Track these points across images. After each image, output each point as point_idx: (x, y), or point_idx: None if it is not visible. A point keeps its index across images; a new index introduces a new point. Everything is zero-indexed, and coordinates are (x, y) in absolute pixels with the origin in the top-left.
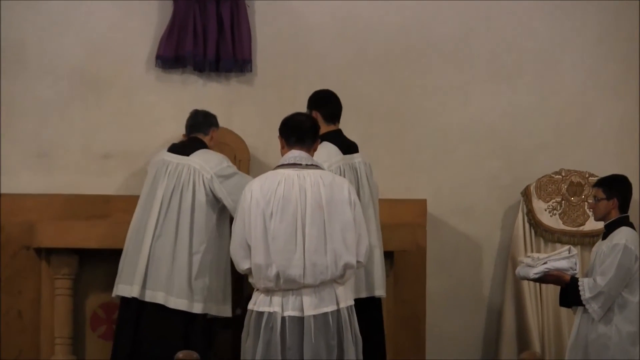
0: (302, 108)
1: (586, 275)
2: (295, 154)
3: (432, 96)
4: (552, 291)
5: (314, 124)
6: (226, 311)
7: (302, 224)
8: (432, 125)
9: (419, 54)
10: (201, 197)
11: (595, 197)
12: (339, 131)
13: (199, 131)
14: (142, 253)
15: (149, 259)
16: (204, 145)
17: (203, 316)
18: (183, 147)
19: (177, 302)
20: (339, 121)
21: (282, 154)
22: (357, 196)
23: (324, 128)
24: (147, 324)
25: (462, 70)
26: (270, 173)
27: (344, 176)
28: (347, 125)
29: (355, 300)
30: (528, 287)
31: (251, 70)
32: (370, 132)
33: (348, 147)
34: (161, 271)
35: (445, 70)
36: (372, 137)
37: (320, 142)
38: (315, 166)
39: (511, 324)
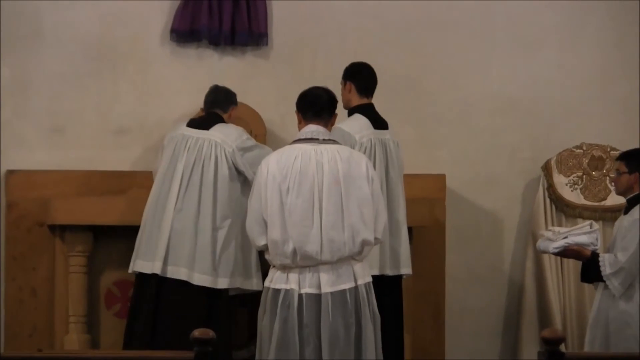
0: (320, 82)
1: (608, 251)
2: (313, 129)
3: (452, 68)
4: (573, 267)
5: (331, 98)
6: (255, 284)
7: (319, 199)
8: (451, 98)
9: (440, 25)
10: (224, 170)
11: (617, 170)
12: (372, 105)
13: (219, 107)
14: (163, 228)
15: (170, 234)
16: (222, 121)
17: (226, 292)
18: (202, 122)
19: (200, 278)
20: (372, 95)
21: (299, 129)
22: (386, 173)
23: (357, 100)
24: (169, 301)
25: (482, 42)
26: (287, 148)
27: (374, 151)
28: None
29: (378, 277)
30: (549, 263)
31: (267, 44)
32: (388, 104)
33: (380, 122)
34: (184, 246)
35: (466, 41)
36: (390, 110)
37: (353, 114)
38: (333, 141)
39: (532, 300)
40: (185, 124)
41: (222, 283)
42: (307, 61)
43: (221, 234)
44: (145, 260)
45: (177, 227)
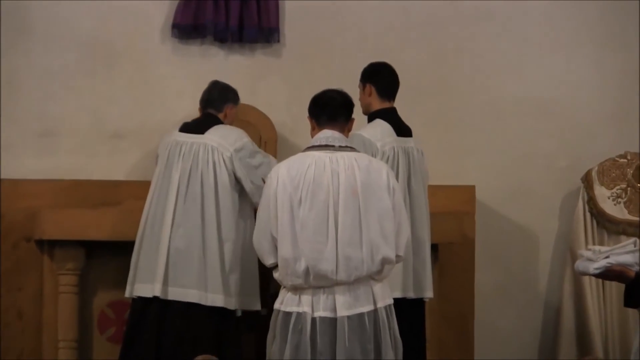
0: (337, 82)
1: None
2: (328, 134)
3: (481, 68)
4: (616, 289)
5: (347, 100)
6: (257, 304)
7: (334, 212)
8: (481, 101)
9: (467, 20)
10: (224, 177)
11: None
12: (394, 110)
13: (212, 107)
14: (161, 246)
15: (170, 252)
16: (218, 122)
17: (234, 313)
18: (196, 125)
19: (214, 299)
20: (394, 98)
21: (313, 136)
22: (409, 185)
23: (377, 104)
24: (175, 325)
25: (516, 40)
26: (299, 155)
27: (397, 160)
28: None
29: (400, 300)
30: (589, 284)
31: (279, 40)
32: (411, 108)
33: (403, 129)
34: (191, 265)
35: (497, 39)
36: (414, 115)
37: (373, 119)
38: (350, 148)
39: (570, 324)
40: (178, 128)
41: (234, 303)
42: (322, 60)
43: (227, 249)
44: (144, 283)
45: (179, 245)
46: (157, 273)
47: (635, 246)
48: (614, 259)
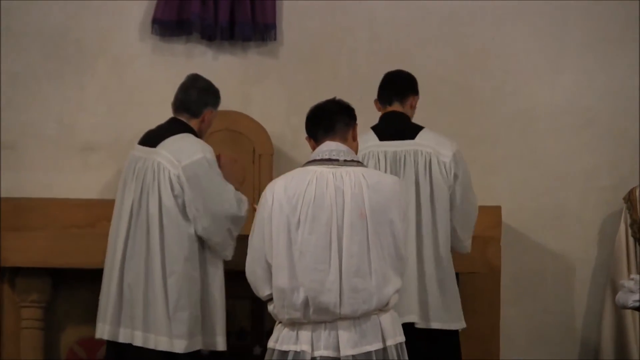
0: (343, 87)
1: None
2: (331, 147)
3: (511, 73)
4: None
5: (343, 107)
6: (219, 344)
7: (338, 236)
8: (511, 111)
9: (496, 19)
10: (168, 200)
11: None
12: (391, 113)
13: (187, 111)
14: (112, 282)
15: (121, 289)
16: (184, 130)
17: (194, 354)
18: (155, 135)
19: (157, 341)
20: (396, 100)
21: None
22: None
23: (382, 113)
24: None
25: (551, 41)
26: (297, 171)
27: (375, 165)
28: None
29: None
30: (633, 319)
31: (275, 38)
32: (429, 117)
33: (397, 130)
34: (137, 303)
35: (530, 40)
36: (431, 124)
37: None
38: (357, 162)
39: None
40: (139, 139)
41: (179, 346)
42: (327, 61)
43: (171, 282)
44: (101, 322)
45: (129, 279)
46: (107, 312)
47: None
48: None
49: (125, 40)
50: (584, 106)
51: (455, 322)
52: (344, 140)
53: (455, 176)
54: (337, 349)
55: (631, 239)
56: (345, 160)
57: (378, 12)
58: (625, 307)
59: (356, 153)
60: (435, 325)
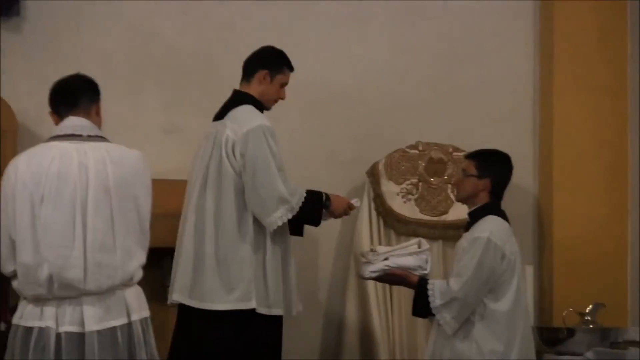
0: (92, 62)
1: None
2: (74, 122)
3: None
4: (406, 296)
5: (87, 82)
6: None
7: (82, 212)
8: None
9: None
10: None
11: (464, 171)
12: (233, 92)
13: None
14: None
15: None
16: None
17: None
18: None
19: None
20: (244, 78)
21: None
22: (206, 174)
23: None
24: None
25: (295, 14)
26: (40, 146)
27: (200, 148)
28: None
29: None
30: (375, 291)
31: (19, 14)
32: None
33: (220, 113)
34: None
35: (269, 11)
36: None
37: None
38: (101, 137)
39: (354, 337)
40: None
41: None
42: (70, 37)
43: None
44: None
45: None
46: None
47: (419, 247)
48: (393, 262)
49: None
50: (328, 81)
51: (230, 302)
52: (87, 115)
53: (242, 155)
54: (82, 324)
55: (374, 212)
56: (89, 136)
57: None
58: (363, 278)
59: (99, 128)
60: (193, 303)
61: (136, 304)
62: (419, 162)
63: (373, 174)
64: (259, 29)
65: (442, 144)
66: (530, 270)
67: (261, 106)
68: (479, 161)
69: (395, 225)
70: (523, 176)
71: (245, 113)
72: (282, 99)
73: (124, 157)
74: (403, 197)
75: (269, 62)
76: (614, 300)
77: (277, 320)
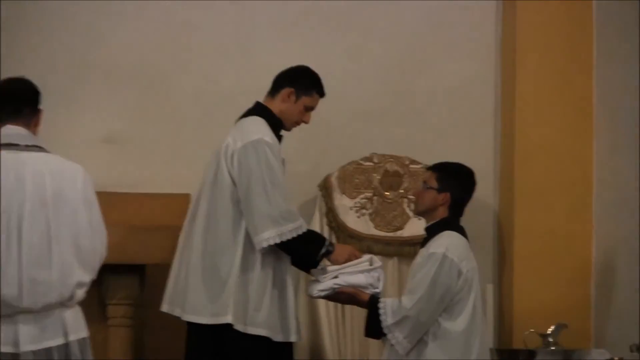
0: (31, 67)
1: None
2: (11, 131)
3: (194, 51)
4: (359, 315)
5: (32, 90)
6: None
7: (17, 225)
8: (196, 91)
9: None
10: None
11: (424, 182)
12: (255, 103)
13: None
14: None
15: None
16: None
17: None
18: None
19: None
20: (270, 92)
21: None
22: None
23: None
24: None
25: (240, 20)
26: None
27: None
28: None
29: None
30: (327, 311)
31: None
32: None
33: (241, 116)
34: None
35: (217, 17)
36: (112, 104)
37: None
38: (39, 147)
39: (304, 358)
40: None
41: None
42: (9, 37)
43: None
44: None
45: None
46: None
47: (370, 264)
48: (343, 280)
49: None
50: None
51: (207, 316)
52: (26, 125)
53: (239, 167)
54: (17, 344)
55: (326, 227)
56: (27, 145)
57: None
58: (312, 297)
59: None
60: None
61: (74, 324)
62: (374, 174)
63: (325, 187)
64: (205, 34)
65: (398, 155)
66: (490, 289)
67: (278, 124)
68: (441, 174)
69: (348, 241)
70: (483, 190)
71: (251, 125)
72: (306, 122)
73: (63, 169)
74: (357, 211)
75: (298, 81)
76: (577, 321)
77: (262, 343)
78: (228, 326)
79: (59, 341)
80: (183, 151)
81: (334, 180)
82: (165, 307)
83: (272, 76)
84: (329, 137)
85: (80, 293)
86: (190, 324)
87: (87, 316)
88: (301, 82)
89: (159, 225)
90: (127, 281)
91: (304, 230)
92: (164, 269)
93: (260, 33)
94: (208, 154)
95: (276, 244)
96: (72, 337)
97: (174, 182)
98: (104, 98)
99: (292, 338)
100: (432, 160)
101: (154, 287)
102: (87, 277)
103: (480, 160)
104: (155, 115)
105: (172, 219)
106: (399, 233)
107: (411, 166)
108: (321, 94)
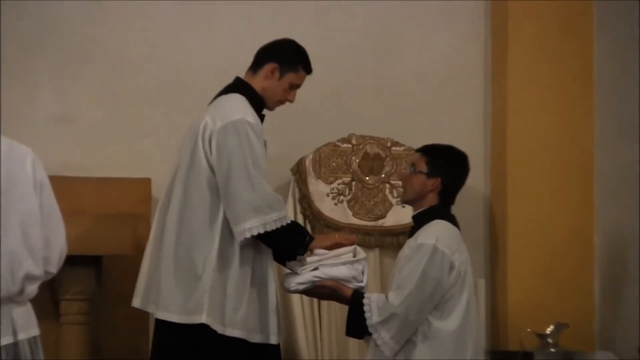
0: None
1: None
2: None
3: (162, 31)
4: (337, 312)
5: None
6: None
7: None
8: (163, 72)
9: None
10: None
11: (413, 165)
12: (234, 79)
13: None
14: None
15: None
16: None
17: None
18: None
19: None
20: (252, 68)
21: None
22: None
23: None
24: None
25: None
26: None
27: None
28: None
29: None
30: (301, 307)
31: None
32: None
33: (218, 93)
34: None
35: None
36: (77, 86)
37: None
38: None
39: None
40: None
41: None
42: None
43: None
44: None
45: None
46: None
47: (354, 256)
48: (323, 272)
49: None
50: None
51: (179, 314)
52: None
53: (218, 150)
54: None
55: (300, 216)
56: None
57: None
58: (288, 291)
59: None
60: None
61: (24, 322)
62: (352, 157)
63: (299, 172)
64: (166, 15)
65: (379, 137)
66: (482, 285)
67: (261, 103)
68: (431, 157)
69: (324, 231)
70: (472, 176)
71: (231, 103)
72: (290, 101)
73: (10, 152)
74: (334, 198)
75: (283, 56)
76: (579, 320)
77: (239, 345)
78: (203, 326)
79: (7, 340)
80: (143, 132)
81: (308, 164)
82: (137, 302)
83: (241, 55)
84: (303, 116)
85: (31, 288)
86: (161, 321)
87: (39, 313)
88: (286, 57)
89: (117, 212)
90: (82, 274)
91: (288, 221)
92: (122, 260)
93: (227, 7)
94: (170, 136)
95: (259, 235)
96: (22, 336)
97: (134, 166)
98: (59, 76)
99: (272, 339)
100: (415, 143)
101: (112, 281)
102: (38, 269)
103: (469, 142)
104: (113, 94)
105: (131, 206)
106: (380, 222)
107: (393, 148)
108: (308, 70)
